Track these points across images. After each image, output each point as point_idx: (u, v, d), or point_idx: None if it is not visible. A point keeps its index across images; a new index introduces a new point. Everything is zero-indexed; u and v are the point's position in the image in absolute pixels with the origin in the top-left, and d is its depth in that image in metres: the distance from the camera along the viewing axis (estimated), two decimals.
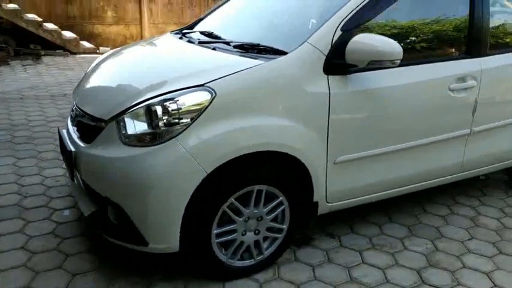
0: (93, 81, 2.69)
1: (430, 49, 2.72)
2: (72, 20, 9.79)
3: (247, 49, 2.43)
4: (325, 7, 2.50)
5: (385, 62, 2.20)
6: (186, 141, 2.02)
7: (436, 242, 2.79)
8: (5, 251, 2.49)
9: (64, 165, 3.54)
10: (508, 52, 2.97)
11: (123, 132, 2.10)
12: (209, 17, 3.34)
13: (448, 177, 2.96)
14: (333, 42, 2.25)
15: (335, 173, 2.43)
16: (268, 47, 2.38)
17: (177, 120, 2.03)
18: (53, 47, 8.98)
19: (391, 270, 2.49)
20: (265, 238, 2.39)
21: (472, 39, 2.77)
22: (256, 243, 2.36)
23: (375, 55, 2.16)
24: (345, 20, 2.29)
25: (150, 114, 2.05)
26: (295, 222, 2.42)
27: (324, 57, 2.25)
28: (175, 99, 2.04)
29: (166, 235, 2.10)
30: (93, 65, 3.01)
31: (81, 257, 2.48)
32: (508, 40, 3.05)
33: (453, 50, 2.81)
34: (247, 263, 2.36)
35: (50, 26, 9.15)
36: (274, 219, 2.36)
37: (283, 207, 2.35)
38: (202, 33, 2.98)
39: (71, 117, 2.60)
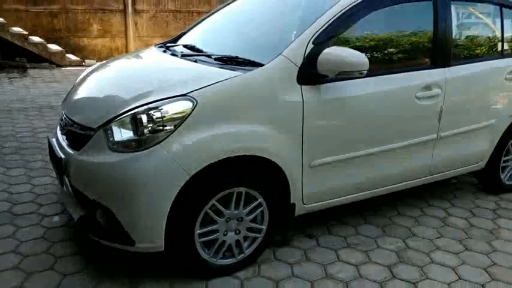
0: (82, 93, 2.84)
1: (398, 60, 2.93)
2: (57, 33, 9.90)
3: (227, 61, 2.60)
4: (298, 22, 2.70)
5: (353, 72, 2.39)
6: (169, 147, 2.17)
7: (407, 240, 2.97)
8: None
9: (52, 174, 3.68)
10: (470, 62, 3.20)
11: (111, 139, 2.25)
12: (191, 31, 3.52)
13: (418, 179, 3.16)
14: (306, 54, 2.44)
15: (310, 176, 2.61)
16: (246, 59, 2.56)
17: (161, 128, 2.19)
18: (38, 60, 9.08)
19: (364, 267, 2.66)
20: (245, 238, 2.54)
21: (437, 50, 2.99)
22: (237, 243, 2.51)
23: (344, 66, 2.36)
24: (316, 34, 2.48)
25: (135, 122, 2.21)
26: (273, 223, 2.58)
27: (297, 69, 2.44)
28: (160, 108, 2.20)
29: (152, 235, 2.25)
30: (81, 77, 3.16)
31: (70, 259, 2.60)
32: (470, 51, 3.28)
33: (419, 60, 3.03)
34: (229, 261, 2.51)
35: (35, 39, 9.25)
36: (254, 220, 2.52)
37: (262, 208, 2.51)
38: (185, 46, 3.15)
39: (60, 126, 2.74)
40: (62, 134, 2.68)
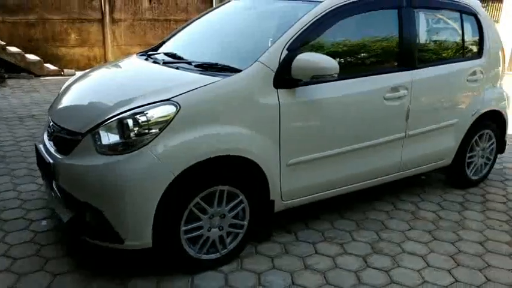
0: (68, 100, 2.95)
1: (367, 64, 3.14)
2: (35, 43, 9.90)
3: (207, 68, 2.76)
4: (274, 30, 2.88)
5: (325, 76, 2.59)
6: (155, 149, 2.32)
7: (380, 233, 3.17)
8: None
9: (37, 181, 3.76)
10: (435, 65, 3.43)
11: (99, 143, 2.39)
12: (172, 39, 3.67)
13: (389, 176, 3.36)
14: (281, 60, 2.63)
15: (288, 174, 2.78)
16: (225, 65, 2.73)
17: (146, 131, 2.33)
18: (17, 70, 9.06)
19: (340, 258, 2.84)
20: (228, 233, 2.69)
21: (403, 54, 3.21)
22: (221, 238, 2.66)
23: (316, 70, 2.55)
24: (290, 41, 2.67)
25: (122, 127, 2.35)
26: (254, 219, 2.74)
27: (273, 74, 2.61)
28: (145, 113, 2.35)
29: (139, 233, 2.38)
30: (66, 85, 3.27)
31: (60, 260, 2.71)
32: (434, 55, 3.53)
33: (387, 64, 3.24)
34: (213, 256, 2.66)
35: (13, 49, 9.24)
36: (236, 216, 2.67)
37: (243, 205, 2.67)
38: (166, 54, 3.29)
39: (48, 132, 2.85)
40: (50, 140, 2.79)
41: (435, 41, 3.61)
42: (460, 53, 3.68)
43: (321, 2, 2.90)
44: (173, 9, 11.29)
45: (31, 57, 9.42)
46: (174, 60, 3.10)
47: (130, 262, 2.68)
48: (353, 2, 2.97)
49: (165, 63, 3.04)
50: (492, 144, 4.04)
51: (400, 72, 3.18)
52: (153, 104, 2.38)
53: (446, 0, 3.57)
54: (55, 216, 3.16)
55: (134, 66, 3.26)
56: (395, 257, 2.87)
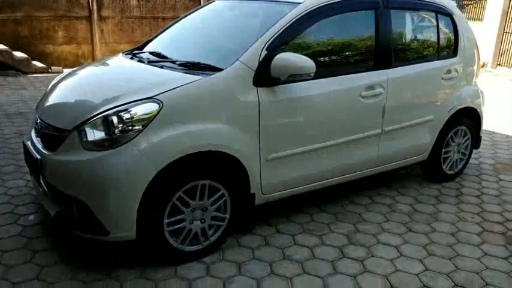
0: (55, 98, 3.04)
1: (344, 63, 3.28)
2: (22, 40, 9.89)
3: (190, 67, 2.87)
4: (254, 30, 2.99)
5: (302, 75, 2.71)
6: (138, 145, 2.43)
7: (357, 225, 3.30)
8: None
9: (25, 177, 3.84)
10: (410, 64, 3.57)
11: (84, 139, 2.49)
12: (156, 38, 3.76)
13: (366, 170, 3.50)
14: (260, 60, 2.74)
15: (268, 168, 2.90)
16: (207, 64, 2.84)
17: (130, 127, 2.44)
18: (4, 67, 9.06)
19: (318, 249, 2.97)
20: (210, 226, 2.80)
21: (379, 54, 3.34)
22: (203, 231, 2.77)
23: (293, 69, 2.67)
24: (269, 42, 2.79)
25: (107, 123, 2.45)
26: (236, 212, 2.86)
27: (253, 73, 2.73)
28: (129, 110, 2.45)
29: (124, 225, 2.49)
30: (53, 83, 3.35)
31: (48, 252, 2.81)
32: (410, 54, 3.67)
33: (364, 63, 3.37)
34: (195, 248, 2.77)
35: (0, 46, 9.23)
36: (218, 209, 2.79)
37: (224, 198, 2.78)
38: (151, 53, 3.39)
39: (36, 129, 2.94)
40: (37, 136, 2.88)
41: (411, 41, 3.75)
42: (436, 52, 3.83)
43: (300, 3, 3.02)
44: (161, 6, 11.33)
45: (18, 54, 9.42)
46: (159, 59, 3.20)
47: (116, 254, 2.79)
48: (331, 3, 3.09)
49: (149, 62, 3.14)
50: (467, 140, 4.20)
51: (376, 71, 3.31)
52: (137, 102, 2.49)
53: (422, 1, 3.71)
54: (42, 211, 3.25)
55: (120, 65, 3.36)
56: (370, 248, 3.00)
